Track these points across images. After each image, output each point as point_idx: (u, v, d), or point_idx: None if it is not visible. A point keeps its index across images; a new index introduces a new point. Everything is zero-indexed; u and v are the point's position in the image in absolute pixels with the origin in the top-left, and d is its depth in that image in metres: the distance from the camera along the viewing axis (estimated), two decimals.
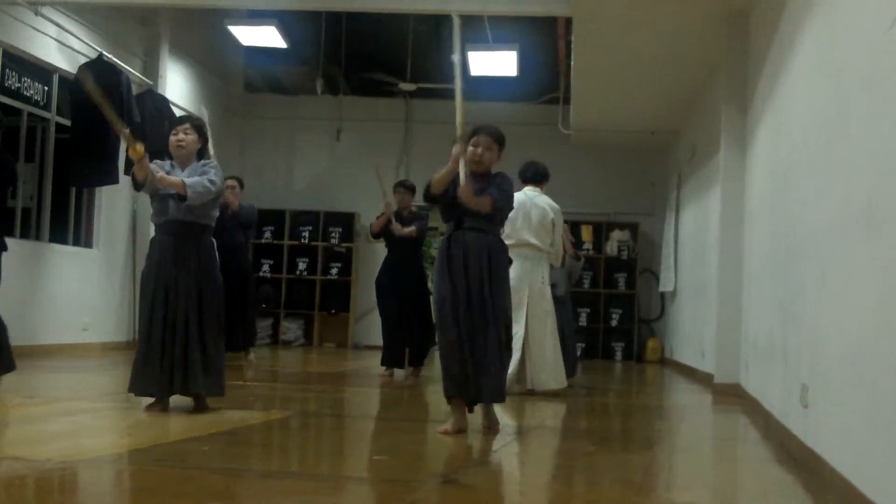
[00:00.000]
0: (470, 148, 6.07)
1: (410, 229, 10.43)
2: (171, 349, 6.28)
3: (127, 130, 6.23)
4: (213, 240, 6.70)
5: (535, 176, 9.05)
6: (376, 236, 10.71)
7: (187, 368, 6.32)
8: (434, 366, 10.28)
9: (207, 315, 6.41)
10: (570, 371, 9.95)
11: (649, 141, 16.29)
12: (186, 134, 6.54)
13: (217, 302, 6.50)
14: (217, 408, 6.54)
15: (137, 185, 6.29)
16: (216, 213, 6.68)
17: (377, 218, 10.55)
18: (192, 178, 6.30)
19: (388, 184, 10.23)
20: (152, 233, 6.68)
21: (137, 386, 6.32)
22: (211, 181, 6.35)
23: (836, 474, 4.36)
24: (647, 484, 4.77)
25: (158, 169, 6.30)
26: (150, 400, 6.35)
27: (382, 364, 10.64)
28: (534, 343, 8.68)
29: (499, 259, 6.04)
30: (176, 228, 6.41)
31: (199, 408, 6.48)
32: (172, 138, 6.56)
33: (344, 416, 7.55)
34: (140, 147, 6.06)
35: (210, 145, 6.78)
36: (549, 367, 8.74)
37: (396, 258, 10.63)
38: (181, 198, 6.23)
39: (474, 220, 5.99)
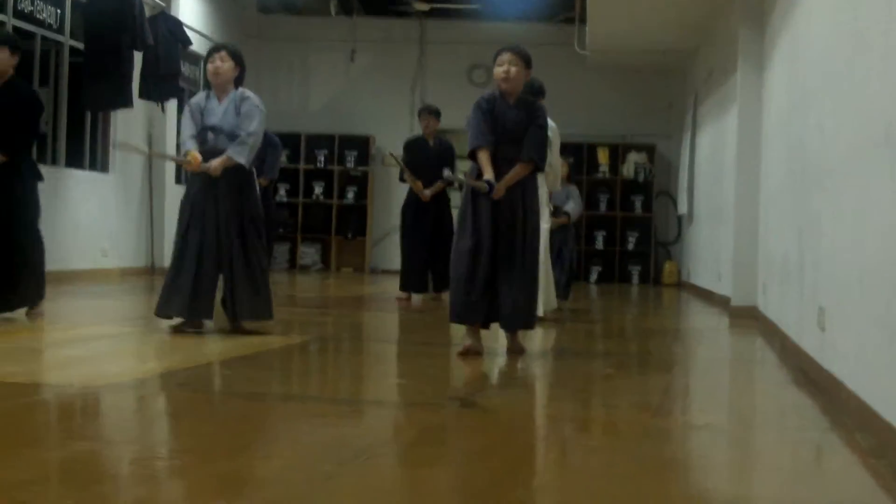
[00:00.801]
0: (497, 68, 6.02)
1: (438, 186, 10.30)
2: (207, 275, 6.38)
3: (186, 157, 6.42)
4: (254, 168, 6.72)
5: (531, 91, 8.82)
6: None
7: (234, 297, 6.41)
8: None
9: (251, 241, 6.48)
10: (562, 293, 9.84)
11: (666, 61, 16.13)
12: (223, 61, 6.54)
13: (259, 226, 6.56)
14: (241, 333, 6.58)
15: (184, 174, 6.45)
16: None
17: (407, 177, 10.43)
18: (237, 148, 6.41)
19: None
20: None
21: (164, 309, 6.42)
22: (250, 133, 6.46)
23: (852, 396, 4.38)
24: (665, 406, 4.81)
25: (195, 119, 6.46)
26: (174, 324, 6.42)
27: (402, 289, 10.63)
28: None
29: (532, 188, 6.02)
30: (216, 157, 6.45)
31: (237, 331, 6.56)
32: (210, 66, 6.57)
33: (363, 341, 7.61)
34: (194, 157, 6.34)
35: None
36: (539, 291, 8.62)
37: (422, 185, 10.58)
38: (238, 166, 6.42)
39: (510, 150, 5.95)
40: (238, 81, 6.62)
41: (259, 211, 6.62)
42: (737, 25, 10.32)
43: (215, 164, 6.36)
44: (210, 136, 6.43)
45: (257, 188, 6.72)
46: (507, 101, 6.00)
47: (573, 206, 9.99)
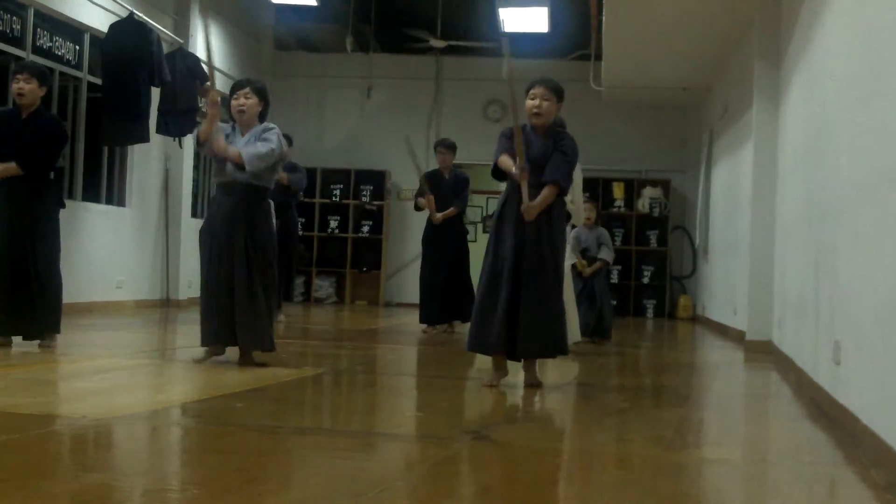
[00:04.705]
0: (528, 101, 6.03)
1: (450, 211, 10.42)
2: (224, 305, 6.43)
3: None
4: (271, 202, 6.74)
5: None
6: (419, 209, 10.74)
7: (236, 328, 6.46)
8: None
9: (258, 276, 6.48)
10: (604, 333, 9.92)
11: (681, 97, 16.15)
12: (247, 98, 6.59)
13: (268, 264, 6.57)
14: (251, 364, 6.58)
15: (200, 144, 6.48)
16: (276, 177, 6.76)
17: (419, 196, 10.53)
18: (249, 150, 6.38)
19: (420, 157, 10.25)
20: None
21: (204, 339, 6.60)
22: (271, 149, 6.44)
23: (867, 431, 4.35)
24: (679, 440, 4.79)
25: (222, 134, 6.46)
26: (197, 354, 6.53)
27: (421, 321, 10.67)
28: None
29: (555, 217, 6.01)
30: (233, 189, 6.51)
31: (245, 363, 6.58)
32: (234, 103, 6.60)
33: (376, 374, 7.59)
34: (217, 96, 6.44)
35: None
36: None
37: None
38: (241, 167, 6.35)
39: (533, 180, 5.94)
40: (262, 117, 6.66)
41: (272, 245, 6.64)
42: (752, 61, 10.34)
43: (228, 147, 6.40)
44: (229, 167, 6.47)
45: (273, 222, 6.73)
46: (536, 132, 6.02)
47: (608, 253, 10.03)
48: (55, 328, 7.22)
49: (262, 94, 6.67)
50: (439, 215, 10.40)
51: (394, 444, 4.47)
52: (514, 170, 5.83)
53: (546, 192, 5.90)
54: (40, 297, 7.05)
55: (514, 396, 5.86)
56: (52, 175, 7.36)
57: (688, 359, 9.92)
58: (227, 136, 6.53)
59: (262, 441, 4.32)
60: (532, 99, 6.02)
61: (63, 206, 7.37)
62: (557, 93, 6.04)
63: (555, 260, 5.97)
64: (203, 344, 6.64)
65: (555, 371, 7.42)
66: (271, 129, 6.58)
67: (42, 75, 7.20)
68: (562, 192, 6.01)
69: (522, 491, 3.51)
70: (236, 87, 6.70)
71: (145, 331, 10.20)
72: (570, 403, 6.17)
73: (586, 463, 4.26)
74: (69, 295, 11.31)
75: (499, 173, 6.04)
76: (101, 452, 4.11)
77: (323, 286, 17.63)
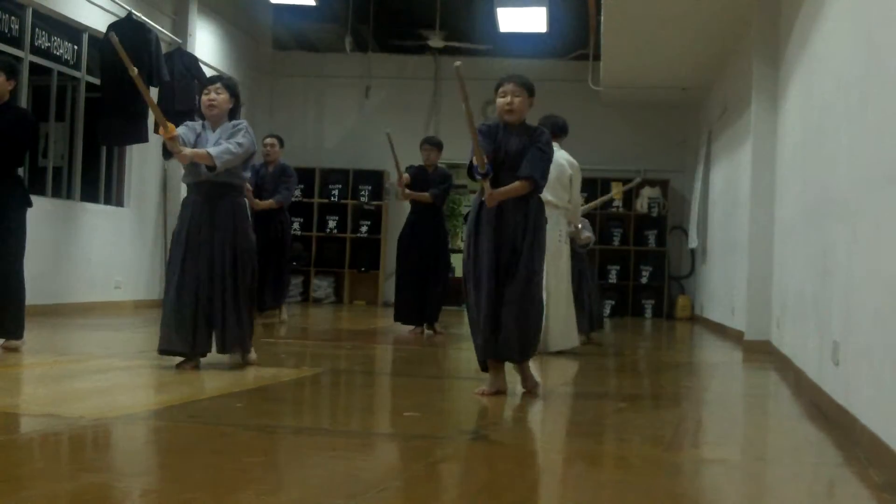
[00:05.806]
0: (499, 99, 5.97)
1: (423, 194, 10.36)
2: (203, 309, 6.31)
3: (166, 125, 6.18)
4: (246, 200, 6.70)
5: (554, 130, 8.77)
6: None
7: (223, 329, 6.35)
8: (463, 324, 10.31)
9: (240, 276, 6.42)
10: (594, 325, 9.92)
11: (680, 97, 16.16)
12: (218, 94, 6.53)
13: (249, 263, 6.50)
14: (249, 364, 6.58)
15: (167, 154, 6.34)
16: (248, 174, 6.69)
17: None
18: (218, 147, 6.27)
19: (399, 155, 10.21)
20: (184, 191, 6.70)
21: (164, 344, 6.37)
22: (238, 144, 6.31)
23: (866, 431, 4.35)
24: (677, 440, 4.79)
25: (186, 139, 6.31)
26: (181, 358, 6.38)
27: (395, 320, 10.64)
28: (550, 304, 8.54)
29: (536, 218, 5.88)
30: (207, 189, 6.42)
31: (242, 364, 6.54)
32: (204, 98, 6.54)
33: (374, 374, 7.59)
34: (171, 127, 6.08)
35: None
36: (561, 328, 8.60)
37: (416, 215, 10.63)
38: (210, 168, 6.25)
39: (510, 179, 5.87)
40: (232, 114, 6.59)
41: (251, 244, 6.56)
42: (751, 61, 10.34)
43: (188, 151, 6.20)
44: (202, 167, 6.38)
45: (250, 220, 6.66)
46: (509, 129, 5.94)
47: (587, 234, 9.99)
48: (15, 333, 7.03)
49: (232, 90, 6.61)
50: (407, 191, 10.28)
51: (392, 444, 4.47)
52: (480, 170, 5.68)
53: (517, 185, 5.75)
54: (4, 298, 6.88)
55: (511, 397, 5.85)
56: (20, 172, 7.21)
57: (686, 359, 9.93)
58: (197, 135, 6.47)
59: (260, 441, 4.32)
60: (503, 96, 5.93)
61: (30, 204, 7.17)
62: (528, 88, 5.95)
63: (536, 259, 5.83)
64: (164, 351, 6.38)
65: (553, 372, 7.43)
66: (240, 126, 6.49)
67: (10, 68, 7.15)
68: (536, 188, 5.84)
69: (521, 491, 3.51)
70: (207, 82, 6.67)
71: (144, 331, 10.17)
72: (568, 404, 6.16)
73: (585, 463, 4.26)
74: (68, 295, 11.38)
75: (473, 171, 5.92)
76: (99, 452, 4.10)
77: (321, 286, 17.63)
